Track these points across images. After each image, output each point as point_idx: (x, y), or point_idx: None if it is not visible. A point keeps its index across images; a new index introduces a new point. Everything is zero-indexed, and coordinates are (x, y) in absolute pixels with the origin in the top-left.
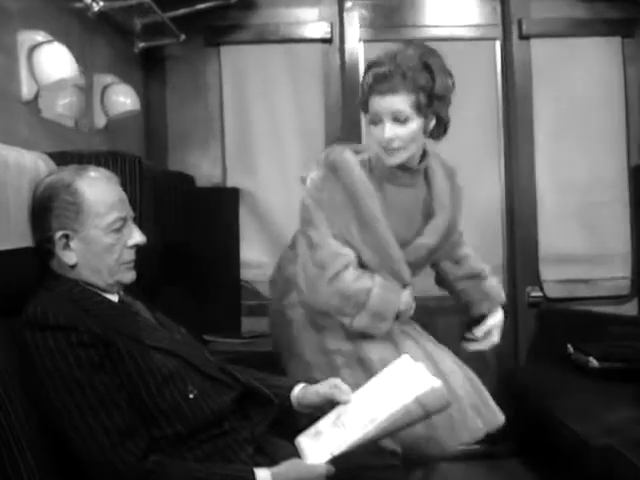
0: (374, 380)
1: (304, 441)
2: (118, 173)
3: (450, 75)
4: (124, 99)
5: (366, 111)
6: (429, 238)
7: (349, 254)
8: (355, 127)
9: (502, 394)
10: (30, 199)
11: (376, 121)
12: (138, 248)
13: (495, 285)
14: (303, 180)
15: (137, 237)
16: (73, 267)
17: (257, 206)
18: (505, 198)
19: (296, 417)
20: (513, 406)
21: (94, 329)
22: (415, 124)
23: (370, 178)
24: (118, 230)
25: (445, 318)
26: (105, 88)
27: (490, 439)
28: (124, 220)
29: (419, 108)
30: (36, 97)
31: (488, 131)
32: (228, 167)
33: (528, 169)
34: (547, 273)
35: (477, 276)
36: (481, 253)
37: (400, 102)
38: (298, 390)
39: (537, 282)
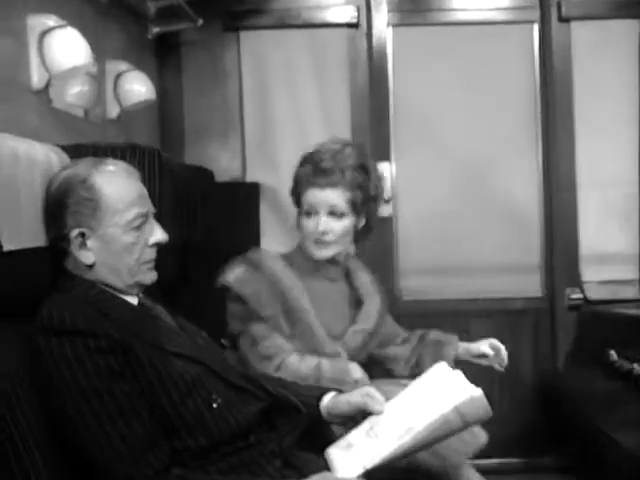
0: (409, 389)
1: (335, 453)
2: (136, 167)
3: (380, 179)
4: (139, 88)
5: (298, 202)
6: (364, 324)
7: (290, 345)
8: (383, 116)
9: (539, 401)
10: (43, 195)
11: (311, 213)
12: (159, 247)
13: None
14: (220, 284)
15: (159, 235)
16: (90, 267)
17: (279, 202)
18: (543, 191)
19: (326, 428)
20: (551, 413)
21: (113, 334)
22: (349, 220)
23: (293, 272)
24: (138, 228)
25: (478, 320)
26: (118, 76)
27: (530, 452)
28: (145, 217)
29: (354, 205)
30: (47, 86)
31: (525, 120)
32: (248, 160)
33: (568, 160)
34: (588, 273)
35: (423, 336)
36: (516, 252)
37: (337, 197)
38: (328, 399)
39: (577, 283)
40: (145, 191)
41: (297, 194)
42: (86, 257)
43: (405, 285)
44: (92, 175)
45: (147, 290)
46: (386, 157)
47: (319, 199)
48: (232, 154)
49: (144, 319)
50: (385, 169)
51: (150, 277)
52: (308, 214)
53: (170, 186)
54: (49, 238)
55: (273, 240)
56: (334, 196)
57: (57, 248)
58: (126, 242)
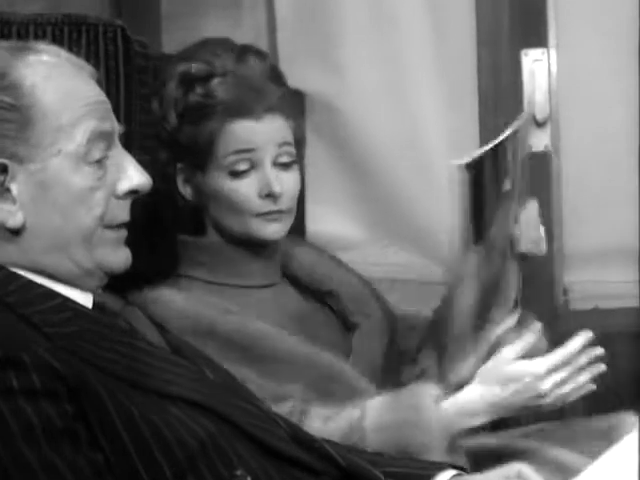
0: (588, 472)
1: None
2: (82, 57)
3: None
4: None
5: (202, 152)
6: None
7: None
8: None
9: None
10: None
11: (243, 167)
12: (134, 199)
13: None
14: None
15: (135, 177)
16: (16, 234)
17: (340, 127)
18: None
19: None
20: None
21: (51, 362)
22: (297, 171)
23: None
24: (99, 162)
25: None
26: None
27: None
28: (108, 141)
29: (299, 145)
30: None
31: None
32: (280, 50)
33: None
34: None
35: None
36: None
37: (285, 128)
38: None
39: None
40: (105, 98)
41: (199, 136)
42: (8, 215)
43: (576, 281)
44: (14, 67)
45: (111, 284)
46: (539, 40)
47: (260, 137)
48: (251, 37)
49: (107, 333)
50: (538, 62)
51: (120, 257)
52: (237, 172)
53: (143, 93)
54: None
55: (328, 191)
56: (281, 127)
57: None
58: (80, 186)
